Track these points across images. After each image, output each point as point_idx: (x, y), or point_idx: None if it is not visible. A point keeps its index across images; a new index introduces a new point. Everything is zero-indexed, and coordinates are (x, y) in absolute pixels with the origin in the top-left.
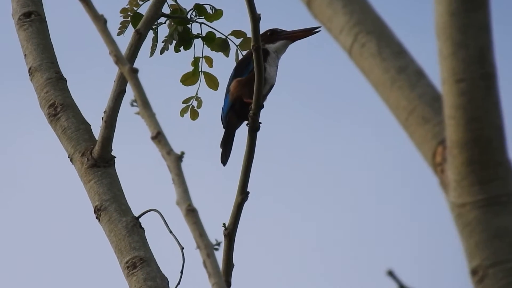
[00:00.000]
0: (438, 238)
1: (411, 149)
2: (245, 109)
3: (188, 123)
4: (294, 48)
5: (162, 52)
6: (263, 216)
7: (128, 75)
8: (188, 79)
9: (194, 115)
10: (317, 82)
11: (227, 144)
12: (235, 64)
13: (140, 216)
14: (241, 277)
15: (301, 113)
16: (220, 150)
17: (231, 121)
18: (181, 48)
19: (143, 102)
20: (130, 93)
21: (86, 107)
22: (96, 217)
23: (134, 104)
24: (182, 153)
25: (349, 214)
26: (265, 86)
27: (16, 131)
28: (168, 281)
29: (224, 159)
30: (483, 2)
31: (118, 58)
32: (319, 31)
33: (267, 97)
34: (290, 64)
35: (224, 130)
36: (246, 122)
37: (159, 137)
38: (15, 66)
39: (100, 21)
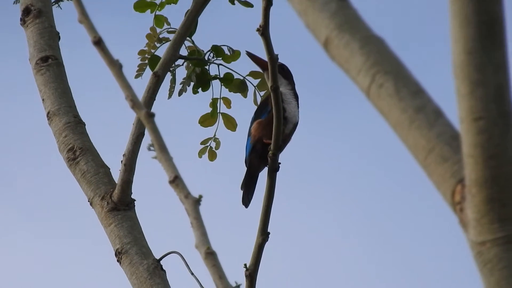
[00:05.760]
0: (460, 277)
1: (430, 188)
2: (266, 151)
3: (206, 164)
4: None
5: (180, 94)
6: (285, 256)
7: (144, 119)
8: (206, 120)
9: (212, 156)
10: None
11: (249, 186)
12: (253, 105)
13: (161, 259)
14: None
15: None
16: (242, 192)
17: (253, 163)
18: (199, 90)
19: (160, 146)
20: (148, 136)
21: (105, 151)
22: (118, 260)
23: (151, 148)
24: (200, 196)
25: (373, 251)
26: (287, 125)
27: (36, 174)
28: None
29: (247, 201)
30: (501, 40)
31: (134, 102)
32: None
33: (292, 136)
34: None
35: (246, 171)
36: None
37: (176, 181)
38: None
39: (116, 66)
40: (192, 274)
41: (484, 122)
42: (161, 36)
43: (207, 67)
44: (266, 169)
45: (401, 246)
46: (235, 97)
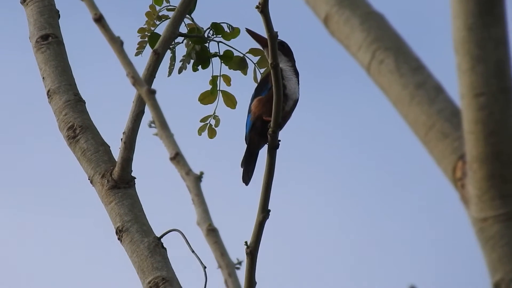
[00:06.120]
0: (460, 252)
1: (431, 164)
2: (266, 128)
3: (206, 142)
4: None
5: (180, 71)
6: (285, 233)
7: (146, 96)
8: (206, 97)
9: (212, 134)
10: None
11: (249, 164)
12: (253, 82)
13: (162, 236)
14: None
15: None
16: (242, 169)
17: (253, 140)
18: (199, 67)
19: (161, 123)
20: (149, 113)
21: (105, 129)
22: (118, 238)
23: (152, 125)
24: (201, 173)
25: (371, 228)
26: (288, 102)
27: (36, 152)
28: None
29: (247, 178)
30: (501, 16)
31: (135, 79)
32: None
33: (292, 113)
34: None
35: (246, 149)
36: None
37: (177, 157)
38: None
39: (117, 43)
40: (193, 251)
41: (484, 98)
42: (160, 13)
43: (206, 44)
44: (266, 146)
45: (400, 233)
46: (235, 75)
